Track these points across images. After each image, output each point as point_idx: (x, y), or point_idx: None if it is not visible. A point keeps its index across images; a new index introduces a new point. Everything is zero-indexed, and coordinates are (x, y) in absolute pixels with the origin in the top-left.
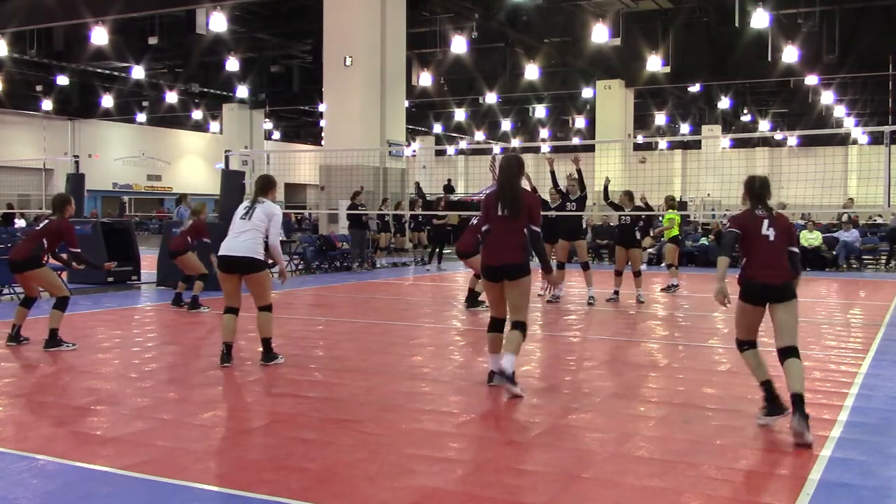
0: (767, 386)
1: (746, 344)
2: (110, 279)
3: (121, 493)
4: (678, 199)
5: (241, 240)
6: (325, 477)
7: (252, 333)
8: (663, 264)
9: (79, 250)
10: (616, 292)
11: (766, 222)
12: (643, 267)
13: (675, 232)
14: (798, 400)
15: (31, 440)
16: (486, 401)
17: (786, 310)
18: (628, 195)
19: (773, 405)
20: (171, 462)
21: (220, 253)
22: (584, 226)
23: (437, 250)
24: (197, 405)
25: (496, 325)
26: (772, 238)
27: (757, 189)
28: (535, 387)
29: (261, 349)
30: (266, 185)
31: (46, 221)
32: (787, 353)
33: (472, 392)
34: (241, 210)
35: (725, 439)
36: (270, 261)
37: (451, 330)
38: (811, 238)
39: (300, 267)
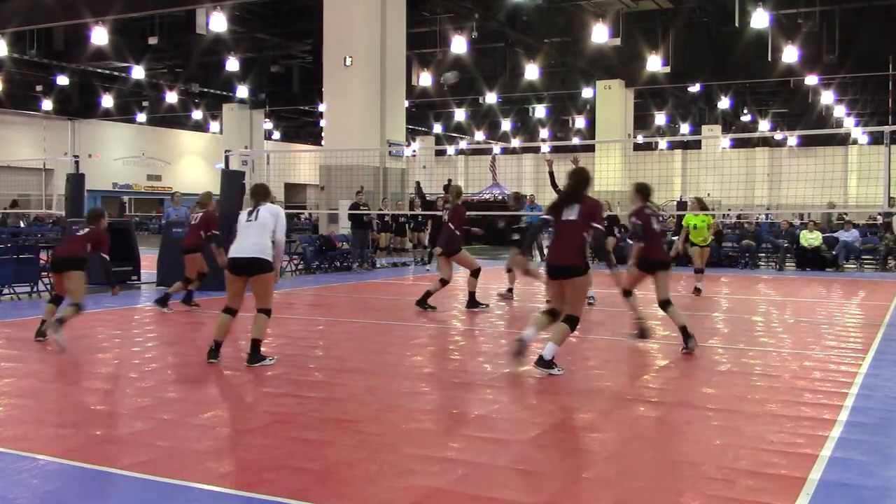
0: (640, 322)
1: (630, 293)
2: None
3: (121, 493)
4: (679, 199)
5: (249, 242)
6: (325, 477)
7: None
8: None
9: (108, 257)
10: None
11: (653, 218)
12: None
13: (704, 234)
14: (684, 329)
15: (31, 440)
16: (487, 401)
17: (664, 275)
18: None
19: (643, 331)
20: (171, 462)
21: (230, 255)
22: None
23: None
24: (197, 405)
25: (551, 312)
26: (657, 229)
27: (648, 192)
28: (536, 387)
29: (248, 351)
30: (266, 192)
31: (87, 230)
32: (666, 304)
33: (472, 392)
34: (244, 214)
35: (725, 439)
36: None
37: (451, 330)
38: (811, 238)
39: (300, 267)
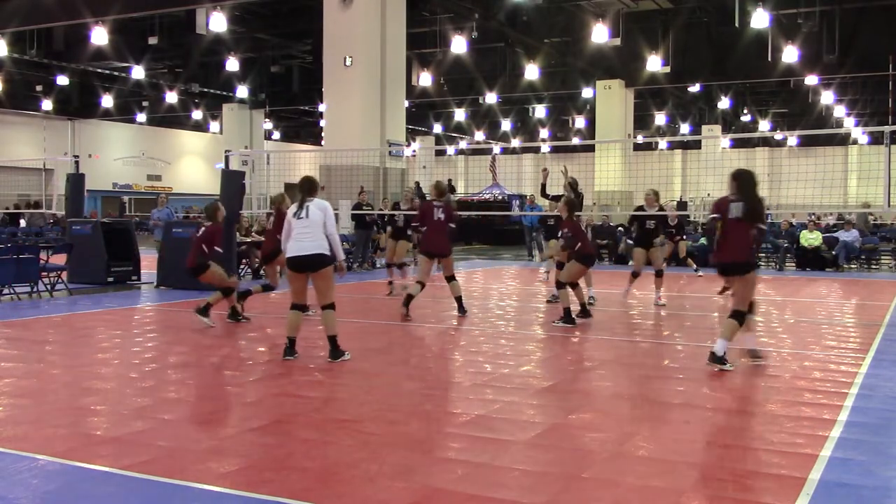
0: (583, 308)
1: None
2: (110, 279)
3: (121, 493)
4: (678, 199)
5: (306, 239)
6: (325, 477)
7: (252, 333)
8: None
9: (221, 251)
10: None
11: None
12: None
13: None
14: (584, 306)
15: (31, 440)
16: (487, 401)
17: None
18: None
19: (584, 313)
20: (171, 462)
21: (289, 255)
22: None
23: None
24: (197, 405)
25: (738, 315)
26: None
27: (574, 206)
28: (536, 387)
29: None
30: (313, 187)
31: (202, 230)
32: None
33: (472, 392)
34: (291, 212)
35: (725, 439)
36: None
37: (451, 330)
38: (811, 238)
39: None
